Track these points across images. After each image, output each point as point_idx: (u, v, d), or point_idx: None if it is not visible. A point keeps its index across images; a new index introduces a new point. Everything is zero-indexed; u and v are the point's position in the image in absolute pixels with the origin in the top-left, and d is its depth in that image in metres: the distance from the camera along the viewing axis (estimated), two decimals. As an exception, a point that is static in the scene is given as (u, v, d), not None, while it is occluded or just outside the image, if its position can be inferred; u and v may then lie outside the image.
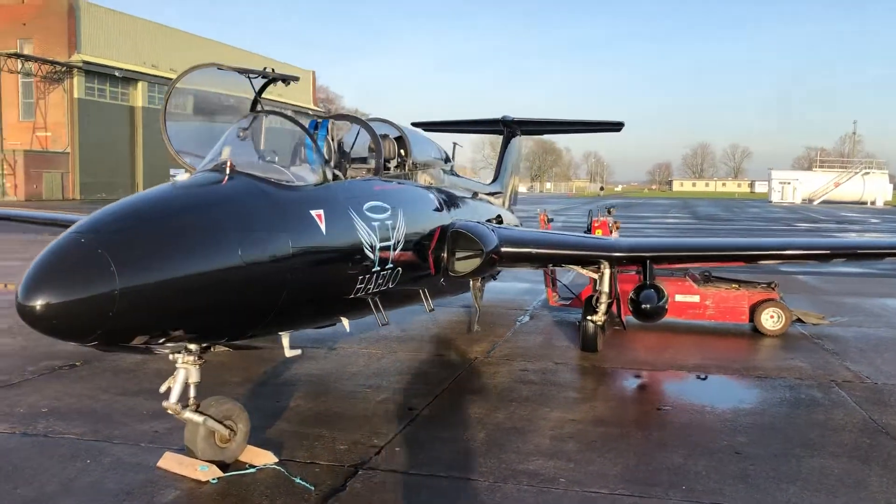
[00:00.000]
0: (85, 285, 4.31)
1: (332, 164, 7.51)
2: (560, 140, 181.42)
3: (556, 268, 10.86)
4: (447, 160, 10.74)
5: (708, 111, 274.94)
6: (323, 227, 6.18)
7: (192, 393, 5.69)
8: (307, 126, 7.64)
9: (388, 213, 7.34)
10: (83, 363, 8.92)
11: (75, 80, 71.94)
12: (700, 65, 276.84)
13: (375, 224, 7.00)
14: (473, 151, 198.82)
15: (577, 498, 5.44)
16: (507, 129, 15.94)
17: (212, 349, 5.92)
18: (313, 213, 6.13)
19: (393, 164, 8.83)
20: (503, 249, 9.25)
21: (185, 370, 5.61)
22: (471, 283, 9.60)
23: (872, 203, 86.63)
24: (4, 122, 70.96)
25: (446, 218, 8.95)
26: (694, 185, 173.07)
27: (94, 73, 73.02)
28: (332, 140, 7.63)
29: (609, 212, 14.45)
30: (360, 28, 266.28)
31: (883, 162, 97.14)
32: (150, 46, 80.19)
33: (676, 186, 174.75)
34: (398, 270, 7.55)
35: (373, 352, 10.03)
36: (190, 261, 4.87)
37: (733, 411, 7.71)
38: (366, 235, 6.79)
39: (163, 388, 5.68)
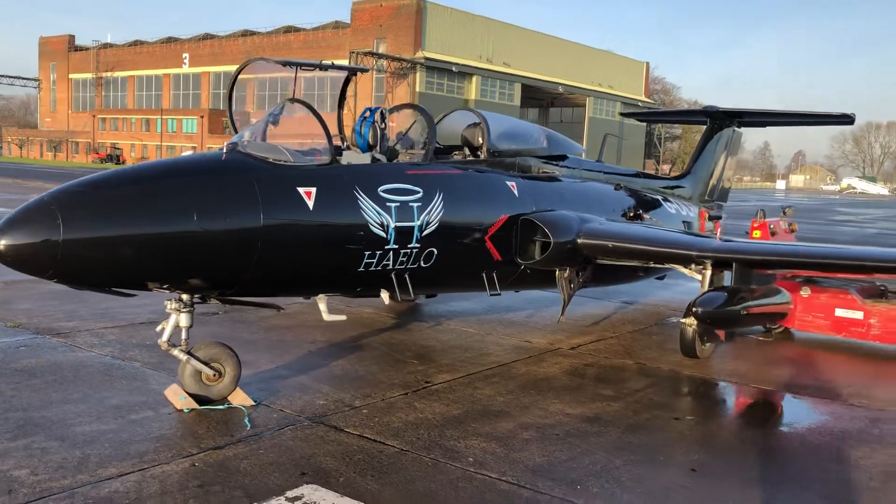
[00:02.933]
0: (34, 233, 5.59)
1: (377, 149, 8.21)
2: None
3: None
4: (564, 150, 10.72)
5: None
6: (310, 203, 6.91)
7: (183, 335, 6.81)
8: (365, 115, 8.41)
9: (417, 195, 7.81)
10: (223, 313, 10.65)
11: (418, 75, 79.56)
12: None
13: (393, 205, 7.53)
14: (832, 149, 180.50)
15: (454, 472, 5.57)
16: (712, 120, 15.00)
17: (207, 301, 7.03)
18: (301, 189, 6.89)
19: (466, 151, 9.23)
20: (581, 241, 9.17)
21: (175, 315, 6.75)
22: (556, 273, 9.56)
23: None
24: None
25: (522, 206, 9.10)
26: None
27: (434, 68, 79.99)
28: (384, 128, 8.24)
29: (784, 212, 12.98)
30: (713, 20, 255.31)
31: None
32: (486, 42, 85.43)
33: None
34: (431, 251, 7.99)
35: (469, 330, 10.48)
36: (138, 220, 5.94)
37: (751, 426, 6.93)
38: (374, 215, 7.36)
39: (158, 329, 6.88)
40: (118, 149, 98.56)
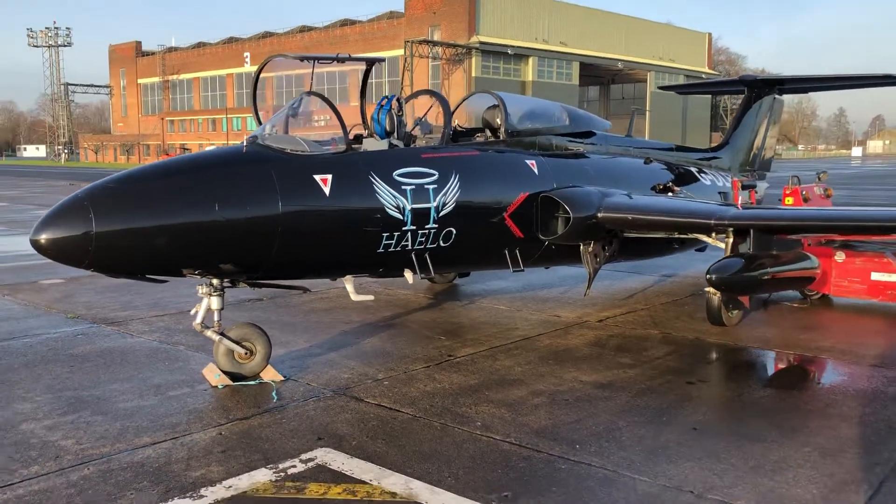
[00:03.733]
0: (70, 227, 6.14)
1: (395, 135, 8.56)
2: None
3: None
4: (589, 126, 10.88)
5: None
6: (327, 189, 7.33)
7: (215, 317, 7.31)
8: (382, 103, 8.75)
9: (433, 178, 8.15)
10: (268, 299, 11.22)
11: (473, 60, 79.55)
12: None
13: (408, 188, 7.89)
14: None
15: (460, 435, 5.92)
16: (750, 89, 14.87)
17: (236, 285, 7.52)
18: (317, 177, 7.30)
19: (487, 133, 9.50)
20: (601, 215, 9.35)
21: (207, 299, 7.26)
22: (581, 248, 9.77)
23: None
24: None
25: (542, 184, 9.33)
26: None
27: (490, 52, 79.88)
28: (401, 114, 8.57)
29: (819, 178, 12.80)
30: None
31: None
32: (541, 22, 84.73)
33: None
34: (450, 231, 8.32)
35: (501, 308, 10.78)
36: (163, 212, 6.44)
37: (762, 388, 7.07)
38: (389, 198, 7.73)
39: (192, 312, 7.40)
40: (187, 149, 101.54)
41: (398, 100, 8.57)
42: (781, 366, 8.18)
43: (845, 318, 10.29)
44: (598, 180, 10.18)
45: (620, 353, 8.44)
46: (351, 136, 8.84)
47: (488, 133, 9.66)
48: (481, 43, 78.53)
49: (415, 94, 9.44)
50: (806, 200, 11.57)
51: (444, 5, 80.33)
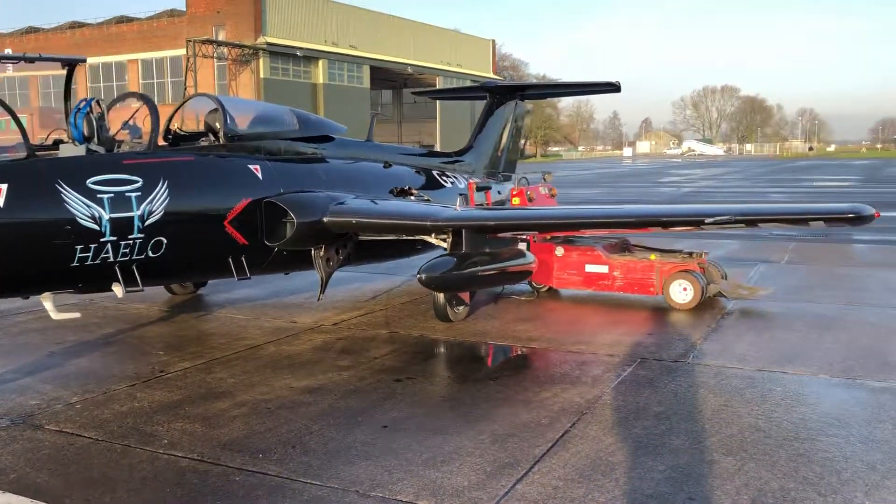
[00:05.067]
0: None
1: (95, 140, 8.07)
2: (774, 96, 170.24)
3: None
4: (323, 131, 10.89)
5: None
6: (1, 200, 6.76)
7: None
8: (80, 106, 8.22)
9: (136, 185, 7.76)
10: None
11: (261, 61, 77.74)
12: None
13: (105, 196, 7.46)
14: (674, 114, 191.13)
15: (140, 456, 5.67)
16: (492, 95, 15.57)
17: None
18: (-9, 188, 6.72)
19: (211, 137, 9.24)
20: (327, 220, 9.36)
21: None
22: (312, 253, 9.74)
23: None
24: (202, 104, 78.09)
25: (267, 189, 9.18)
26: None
27: (278, 53, 78.47)
28: (101, 118, 8.10)
29: (544, 178, 13.78)
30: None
31: None
32: (330, 25, 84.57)
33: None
34: (160, 241, 7.97)
35: (238, 317, 10.53)
36: None
37: (463, 381, 7.41)
38: (82, 208, 7.27)
39: None
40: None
41: (98, 102, 8.10)
42: (490, 358, 8.61)
43: (563, 308, 11.05)
44: (332, 185, 10.20)
45: (342, 355, 8.50)
46: (50, 142, 8.30)
47: (212, 137, 9.38)
48: (269, 44, 76.94)
49: (121, 97, 9.01)
50: (531, 200, 12.30)
51: (228, 5, 77.81)
